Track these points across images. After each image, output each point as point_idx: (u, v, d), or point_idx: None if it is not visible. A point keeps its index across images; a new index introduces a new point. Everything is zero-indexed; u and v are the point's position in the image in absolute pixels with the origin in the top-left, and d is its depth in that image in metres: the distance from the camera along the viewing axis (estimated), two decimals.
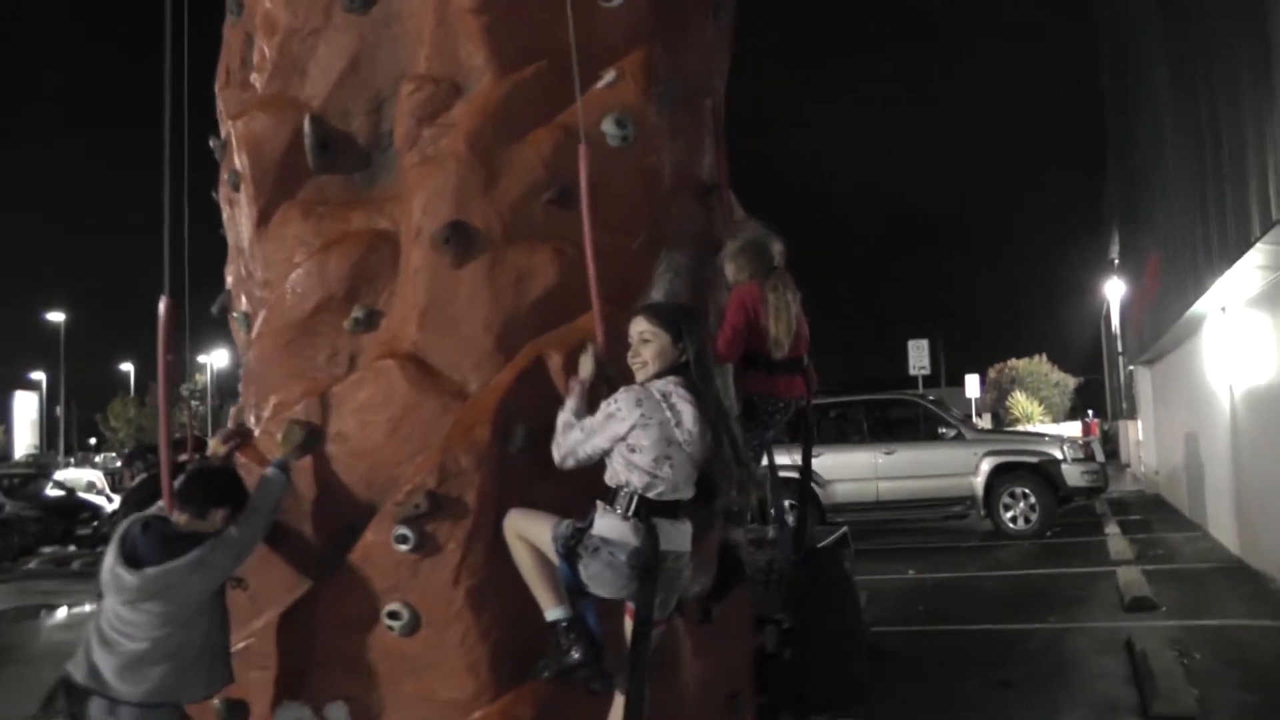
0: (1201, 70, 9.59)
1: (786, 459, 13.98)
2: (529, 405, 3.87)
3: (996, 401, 46.05)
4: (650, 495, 3.36)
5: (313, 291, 4.22)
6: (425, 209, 4.06)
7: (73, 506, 20.15)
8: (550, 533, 3.47)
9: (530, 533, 3.58)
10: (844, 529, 7.62)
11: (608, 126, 4.20)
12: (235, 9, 4.76)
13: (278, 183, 4.41)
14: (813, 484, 13.90)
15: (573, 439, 3.49)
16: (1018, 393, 45.16)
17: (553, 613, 3.53)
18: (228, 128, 4.62)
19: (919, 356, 27.55)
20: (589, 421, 3.47)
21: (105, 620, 3.51)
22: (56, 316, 50.86)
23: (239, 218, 4.57)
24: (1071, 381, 48.33)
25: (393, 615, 3.81)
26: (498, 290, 4.02)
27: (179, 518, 3.72)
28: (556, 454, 3.55)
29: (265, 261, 4.39)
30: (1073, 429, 32.00)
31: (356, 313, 4.19)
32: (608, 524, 3.37)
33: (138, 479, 5.67)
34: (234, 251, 4.68)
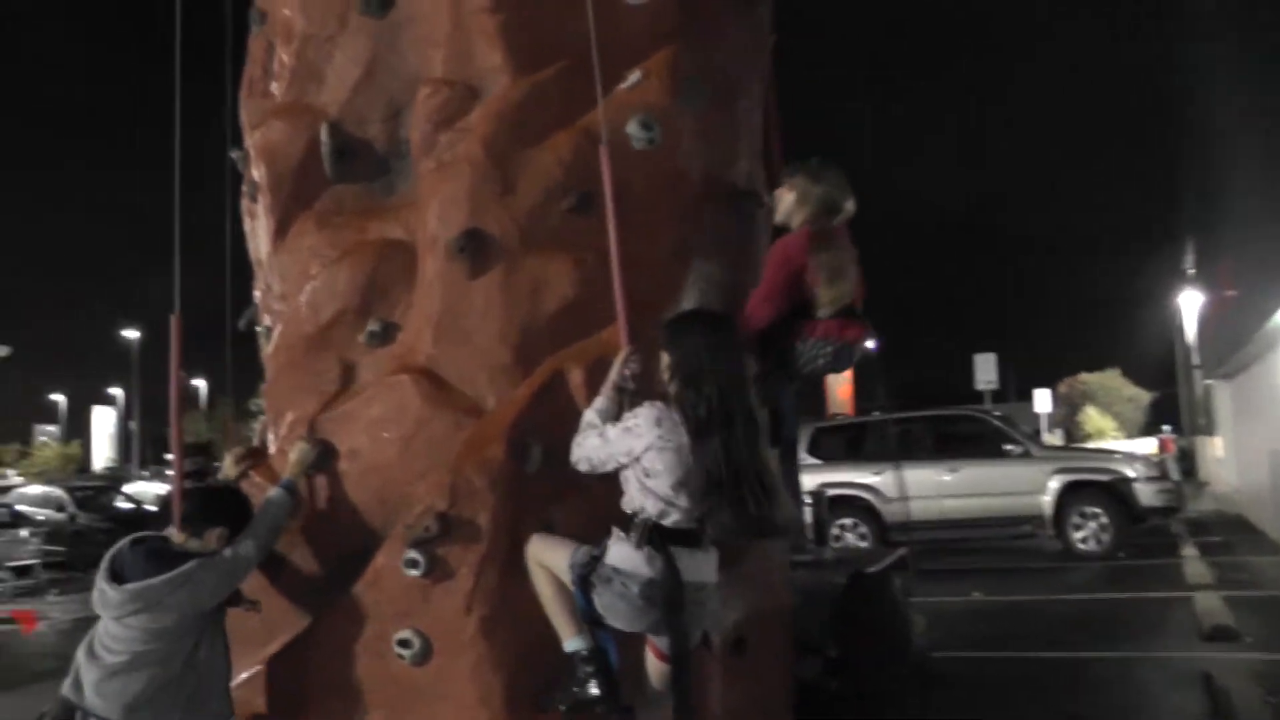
0: None
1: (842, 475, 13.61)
2: (547, 423, 3.68)
3: (1067, 417, 44.87)
4: (666, 523, 3.14)
5: (327, 304, 4.10)
6: (440, 216, 3.91)
7: (140, 518, 20.52)
8: (568, 560, 3.29)
9: (549, 559, 3.41)
10: (902, 551, 7.31)
11: (633, 129, 4.01)
12: (258, 19, 4.68)
13: (294, 193, 4.31)
14: (874, 500, 13.70)
15: (591, 444, 3.29)
16: (1089, 408, 43.97)
17: (571, 643, 3.35)
18: (249, 138, 4.53)
19: (986, 371, 26.93)
20: (610, 430, 3.25)
21: (96, 636, 3.46)
22: (131, 334, 52.28)
23: (258, 230, 4.47)
24: (1145, 396, 46.96)
25: (403, 643, 3.65)
26: (514, 301, 3.84)
27: (178, 536, 3.65)
28: (573, 454, 3.35)
29: (282, 274, 4.28)
30: (1147, 445, 30.93)
31: (372, 326, 4.06)
32: (620, 553, 3.17)
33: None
34: (255, 265, 4.59)
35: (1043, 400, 37.04)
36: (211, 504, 3.71)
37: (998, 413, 16.42)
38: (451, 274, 3.87)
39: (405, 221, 4.12)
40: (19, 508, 20.86)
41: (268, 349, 4.37)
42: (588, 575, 3.19)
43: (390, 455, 3.82)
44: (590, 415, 3.39)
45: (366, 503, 3.85)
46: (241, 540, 3.59)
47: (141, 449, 52.66)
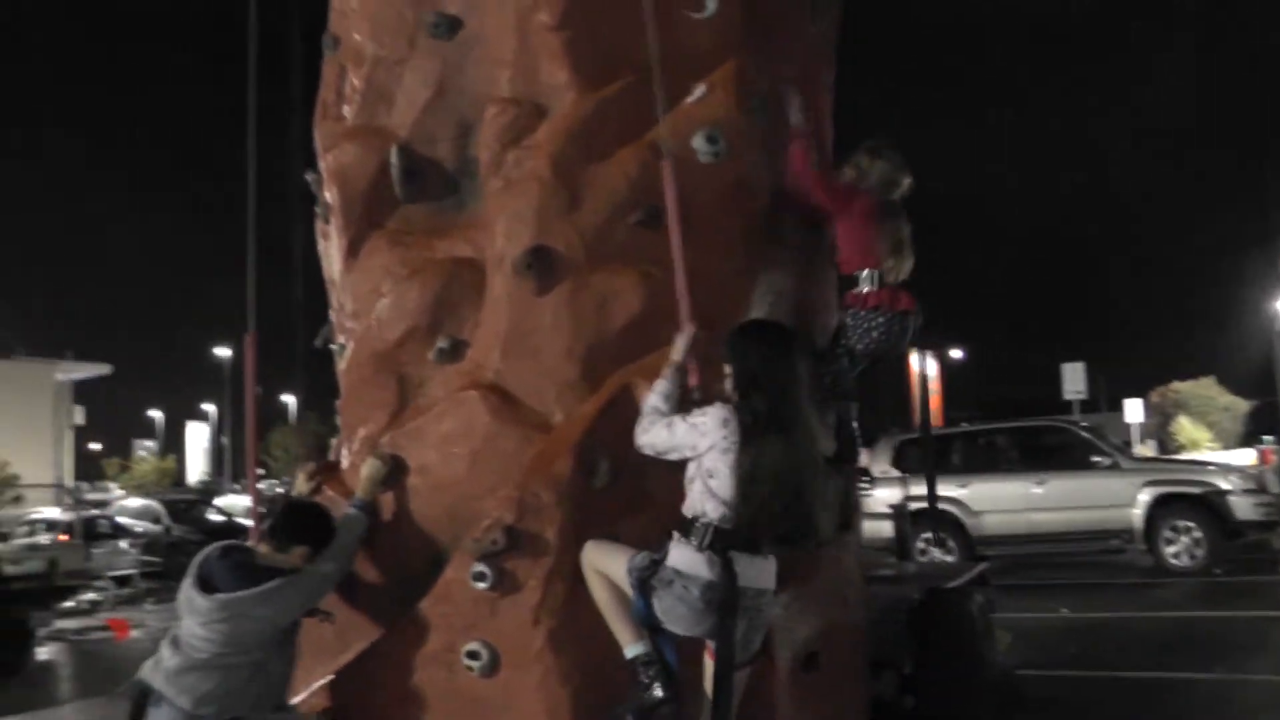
0: None
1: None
2: (614, 437, 3.68)
3: (1159, 427, 43.38)
4: (727, 527, 3.17)
5: (396, 322, 4.18)
6: (507, 234, 3.97)
7: (230, 530, 21.15)
8: (626, 565, 3.33)
9: (606, 566, 3.45)
10: (983, 566, 7.14)
11: (698, 143, 4.01)
12: (331, 44, 4.79)
13: (366, 213, 4.40)
14: (960, 513, 13.45)
15: (659, 434, 3.36)
16: (1183, 418, 42.38)
17: (632, 649, 3.37)
18: (322, 161, 4.64)
19: (1074, 381, 26.35)
20: (679, 424, 3.32)
21: (181, 631, 3.58)
22: (223, 352, 53.89)
23: (331, 250, 4.58)
24: (1243, 405, 45.14)
25: (472, 655, 3.70)
26: (580, 316, 3.87)
27: (261, 548, 3.75)
28: (638, 438, 3.44)
29: (353, 293, 4.37)
30: (1245, 456, 29.72)
31: (441, 343, 4.12)
32: (681, 555, 3.20)
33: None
34: (329, 284, 4.70)
35: (1134, 410, 36.00)
36: (297, 521, 3.81)
37: (1085, 423, 16.00)
38: (519, 291, 3.92)
39: (474, 240, 4.18)
40: (119, 520, 21.73)
41: (341, 366, 4.46)
42: (648, 579, 3.23)
43: (459, 470, 3.88)
44: (654, 398, 3.46)
45: (437, 517, 3.90)
46: (323, 561, 3.69)
47: (233, 463, 54.19)
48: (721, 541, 3.16)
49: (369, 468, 3.94)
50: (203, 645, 3.49)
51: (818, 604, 4.22)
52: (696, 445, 3.24)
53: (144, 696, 3.51)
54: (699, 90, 4.13)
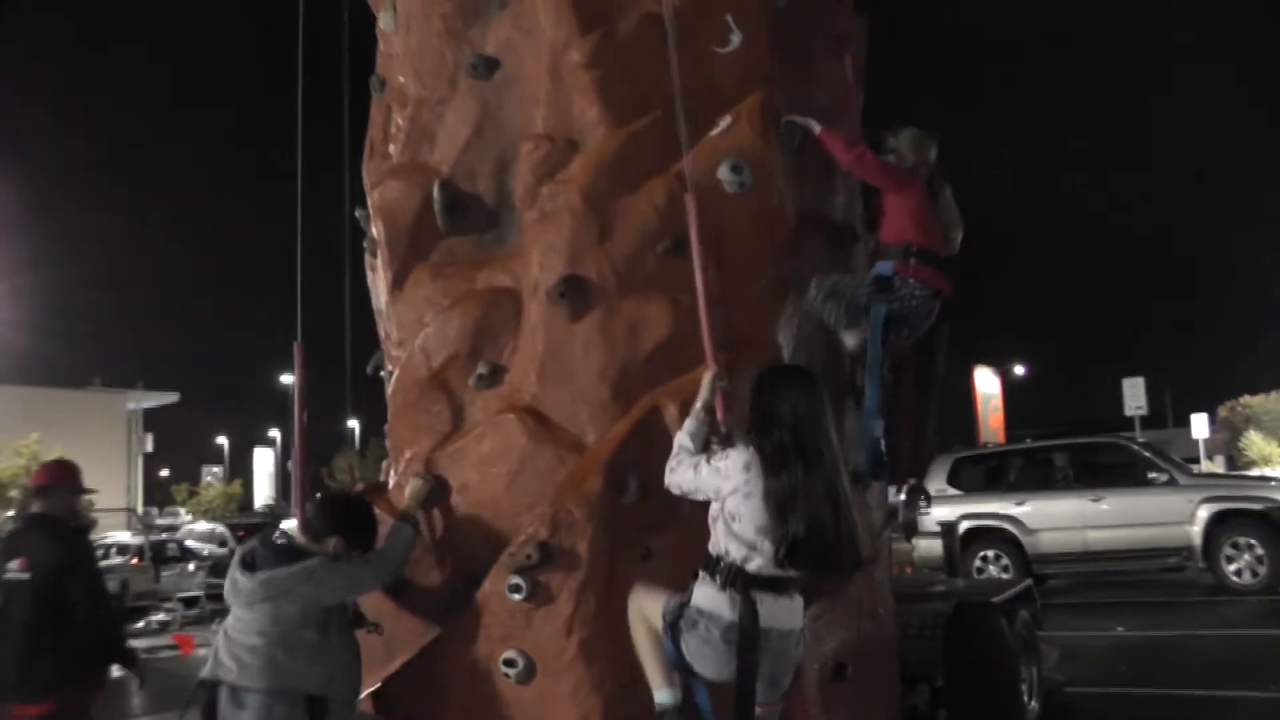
0: None
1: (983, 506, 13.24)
2: (644, 456, 3.84)
3: (1229, 442, 42.33)
4: (749, 568, 3.17)
5: (439, 350, 4.37)
6: (541, 264, 4.15)
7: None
8: (661, 609, 3.35)
9: (649, 610, 3.45)
10: (1028, 583, 7.14)
11: (723, 173, 4.16)
12: (379, 87, 5.05)
13: (410, 247, 4.60)
14: (1016, 531, 13.35)
15: (684, 475, 3.40)
16: (1253, 432, 41.31)
17: (660, 695, 3.38)
18: (370, 198, 4.88)
19: (1135, 396, 25.89)
20: (704, 466, 3.34)
21: (229, 621, 3.69)
22: (288, 379, 55.07)
23: (378, 283, 4.81)
24: None
25: (509, 663, 3.86)
26: (612, 342, 4.03)
27: (302, 537, 3.91)
28: (667, 478, 3.48)
29: (399, 323, 4.59)
30: None
31: (481, 369, 4.30)
32: (704, 594, 3.22)
33: None
34: (376, 314, 4.93)
35: (1200, 426, 35.18)
36: (330, 512, 3.94)
37: (1141, 439, 15.77)
38: (554, 318, 4.10)
39: (512, 270, 4.36)
40: (187, 543, 22.33)
41: (389, 392, 4.68)
42: (676, 621, 3.24)
43: (498, 489, 4.06)
44: (683, 438, 3.51)
45: (478, 534, 4.09)
46: (370, 557, 3.80)
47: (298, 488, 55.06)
48: (744, 581, 3.16)
49: (413, 486, 4.14)
50: (248, 627, 3.58)
51: (847, 616, 4.33)
52: (720, 489, 3.24)
53: (213, 697, 3.56)
54: (724, 122, 4.28)
